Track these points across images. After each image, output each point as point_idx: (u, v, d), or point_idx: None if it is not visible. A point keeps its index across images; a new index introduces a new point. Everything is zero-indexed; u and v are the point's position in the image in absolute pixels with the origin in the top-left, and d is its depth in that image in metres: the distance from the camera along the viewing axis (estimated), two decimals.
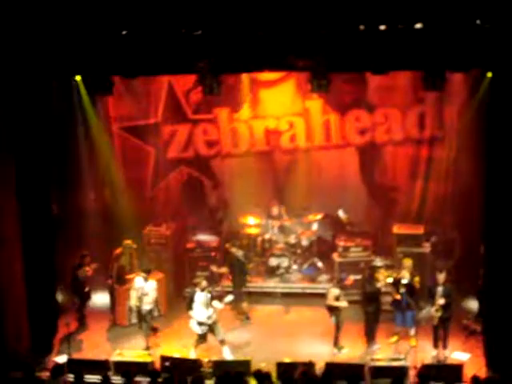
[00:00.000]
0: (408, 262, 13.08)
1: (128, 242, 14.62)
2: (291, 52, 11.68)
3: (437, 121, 15.49)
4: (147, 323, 13.18)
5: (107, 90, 12.76)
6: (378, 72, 12.06)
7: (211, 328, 12.62)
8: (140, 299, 13.07)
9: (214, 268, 14.70)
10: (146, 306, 13.12)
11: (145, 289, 13.13)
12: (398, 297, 12.83)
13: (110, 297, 14.40)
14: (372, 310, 13.04)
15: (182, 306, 14.68)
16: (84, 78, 13.07)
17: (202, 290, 12.68)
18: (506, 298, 11.74)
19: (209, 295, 12.70)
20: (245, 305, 14.33)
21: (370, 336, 13.10)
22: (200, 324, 12.59)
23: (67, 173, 14.31)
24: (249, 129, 16.26)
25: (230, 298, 12.82)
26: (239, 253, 14.46)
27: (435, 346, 12.63)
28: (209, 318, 12.58)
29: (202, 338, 12.68)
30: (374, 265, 14.06)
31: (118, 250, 14.62)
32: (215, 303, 12.73)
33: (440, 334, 12.60)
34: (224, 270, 14.72)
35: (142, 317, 13.15)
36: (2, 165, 12.27)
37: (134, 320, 13.69)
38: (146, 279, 13.20)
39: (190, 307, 12.65)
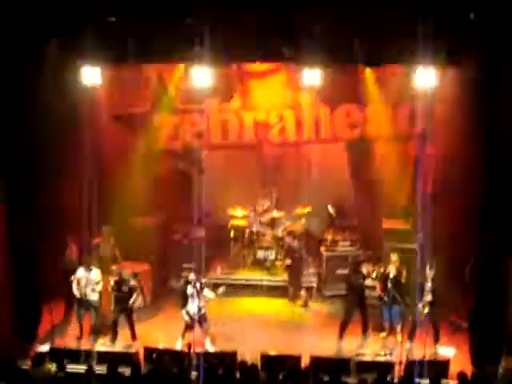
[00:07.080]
0: (394, 257, 13.04)
1: (107, 227, 14.47)
2: (284, 43, 11.59)
3: (427, 118, 15.43)
4: (97, 313, 12.95)
5: (94, 79, 12.62)
6: (371, 64, 12.01)
7: (200, 318, 12.53)
8: (85, 288, 12.78)
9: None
10: (94, 295, 12.88)
11: (90, 277, 12.91)
12: (380, 291, 12.83)
13: None
14: (356, 304, 12.94)
15: (166, 296, 14.69)
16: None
17: (189, 282, 12.59)
18: (493, 295, 11.72)
19: (197, 286, 12.59)
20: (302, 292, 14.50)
21: (343, 329, 12.96)
22: (189, 315, 12.50)
23: (53, 162, 14.10)
24: (238, 120, 16.15)
25: (222, 289, 12.69)
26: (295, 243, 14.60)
27: (436, 341, 12.58)
28: (200, 308, 12.48)
29: (189, 328, 12.54)
30: (358, 259, 13.96)
31: (98, 239, 14.48)
32: (206, 292, 12.61)
33: (430, 329, 12.53)
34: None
35: (88, 306, 12.88)
36: None
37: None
38: (88, 268, 12.96)
39: (184, 302, 12.53)
